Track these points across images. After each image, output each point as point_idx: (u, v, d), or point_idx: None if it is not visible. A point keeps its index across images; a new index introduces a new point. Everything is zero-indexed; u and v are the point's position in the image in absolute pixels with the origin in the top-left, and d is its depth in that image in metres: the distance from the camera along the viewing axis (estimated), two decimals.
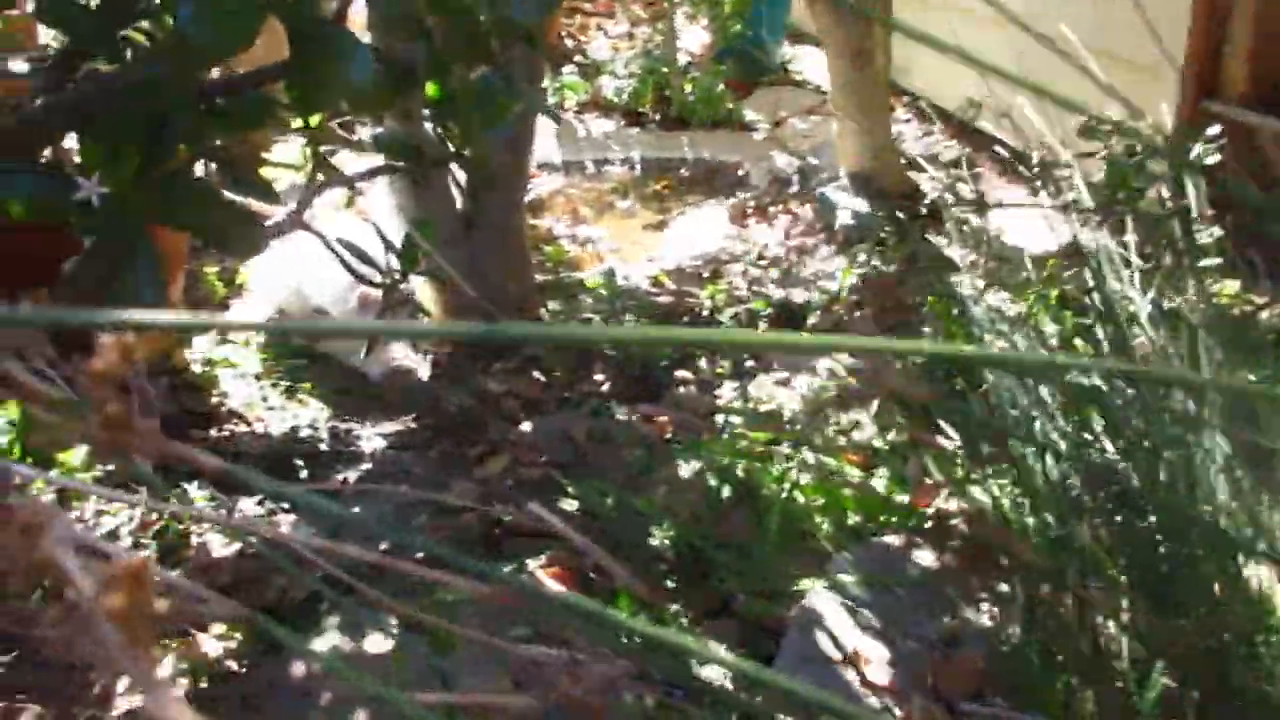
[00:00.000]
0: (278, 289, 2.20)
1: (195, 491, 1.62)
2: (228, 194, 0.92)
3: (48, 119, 0.82)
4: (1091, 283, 1.39)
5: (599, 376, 2.16)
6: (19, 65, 1.01)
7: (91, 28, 0.92)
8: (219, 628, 1.32)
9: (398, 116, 1.48)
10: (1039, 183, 1.74)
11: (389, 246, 1.24)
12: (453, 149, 1.22)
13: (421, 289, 2.17)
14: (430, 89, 1.09)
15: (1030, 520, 1.26)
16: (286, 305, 2.14)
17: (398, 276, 1.24)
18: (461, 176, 2.30)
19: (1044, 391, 1.32)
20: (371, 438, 1.87)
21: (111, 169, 0.75)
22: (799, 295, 2.57)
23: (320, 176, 1.17)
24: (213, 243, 0.87)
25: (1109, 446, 1.19)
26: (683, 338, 0.29)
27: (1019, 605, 1.12)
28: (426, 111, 1.16)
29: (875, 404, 1.99)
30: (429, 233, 1.23)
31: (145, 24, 1.01)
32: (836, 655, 1.29)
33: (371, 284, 1.22)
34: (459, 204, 2.18)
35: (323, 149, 1.22)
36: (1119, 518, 1.14)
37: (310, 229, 1.19)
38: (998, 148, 3.05)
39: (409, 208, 2.14)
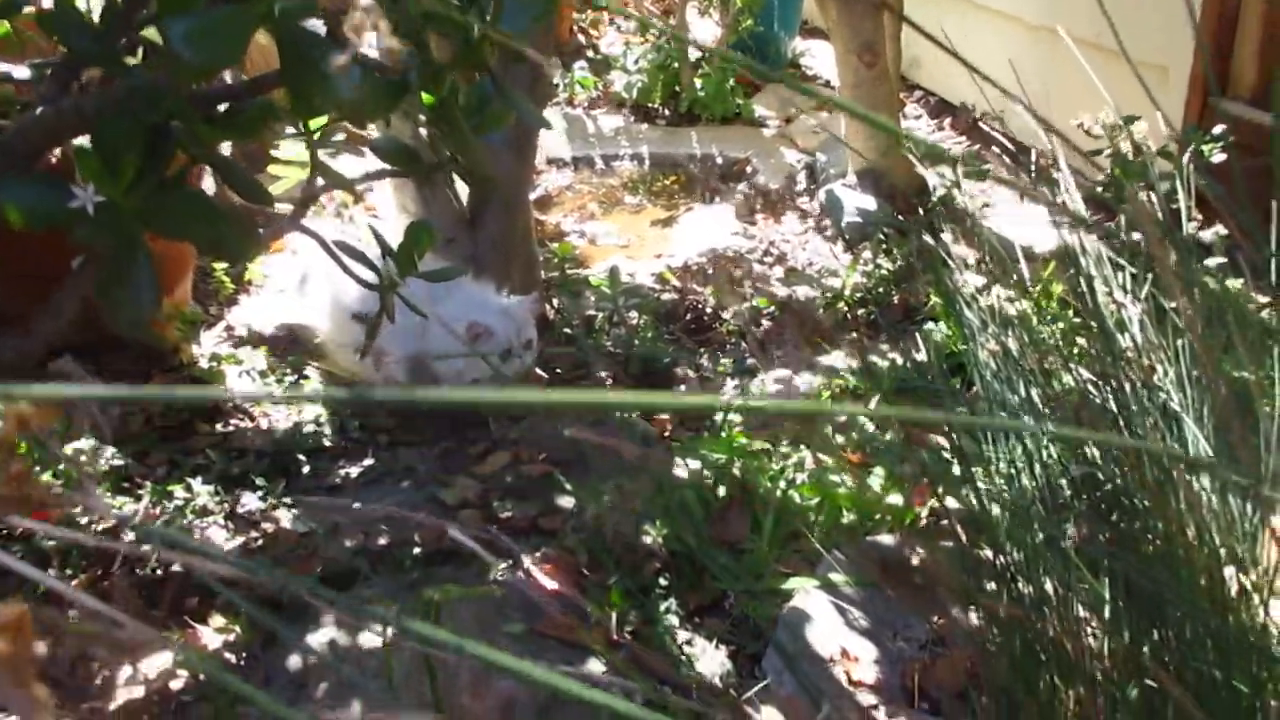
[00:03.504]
0: (291, 285, 2.23)
1: (199, 486, 1.65)
2: (226, 196, 0.94)
3: (48, 126, 0.85)
4: (1082, 286, 1.40)
5: (601, 374, 2.18)
6: (21, 71, 1.03)
7: (91, 38, 0.94)
8: (219, 620, 1.35)
9: (397, 121, 1.50)
10: (1035, 182, 1.75)
11: (385, 249, 1.26)
12: (449, 155, 1.24)
13: None
14: (425, 97, 1.10)
15: (1014, 525, 1.27)
16: (314, 301, 2.09)
17: (394, 279, 1.26)
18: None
19: (1033, 393, 1.33)
20: (374, 435, 1.90)
21: (108, 177, 0.77)
22: (802, 292, 2.58)
23: (320, 180, 1.19)
24: (208, 250, 0.90)
25: (1095, 451, 1.20)
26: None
27: (1001, 611, 1.13)
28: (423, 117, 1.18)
29: (874, 402, 2.01)
30: (427, 236, 1.25)
31: (148, 31, 1.03)
32: (824, 654, 1.31)
33: (368, 285, 1.25)
34: (463, 203, 2.20)
35: (327, 151, 1.24)
36: (1104, 522, 1.15)
37: (308, 231, 1.22)
38: (1002, 145, 3.05)
39: (412, 208, 2.17)
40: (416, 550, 1.53)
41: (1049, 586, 1.16)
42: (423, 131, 1.27)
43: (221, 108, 1.00)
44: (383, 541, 1.56)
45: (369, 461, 1.81)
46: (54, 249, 0.92)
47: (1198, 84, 2.64)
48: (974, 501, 1.33)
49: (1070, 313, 2.12)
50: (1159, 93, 2.19)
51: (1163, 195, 2.00)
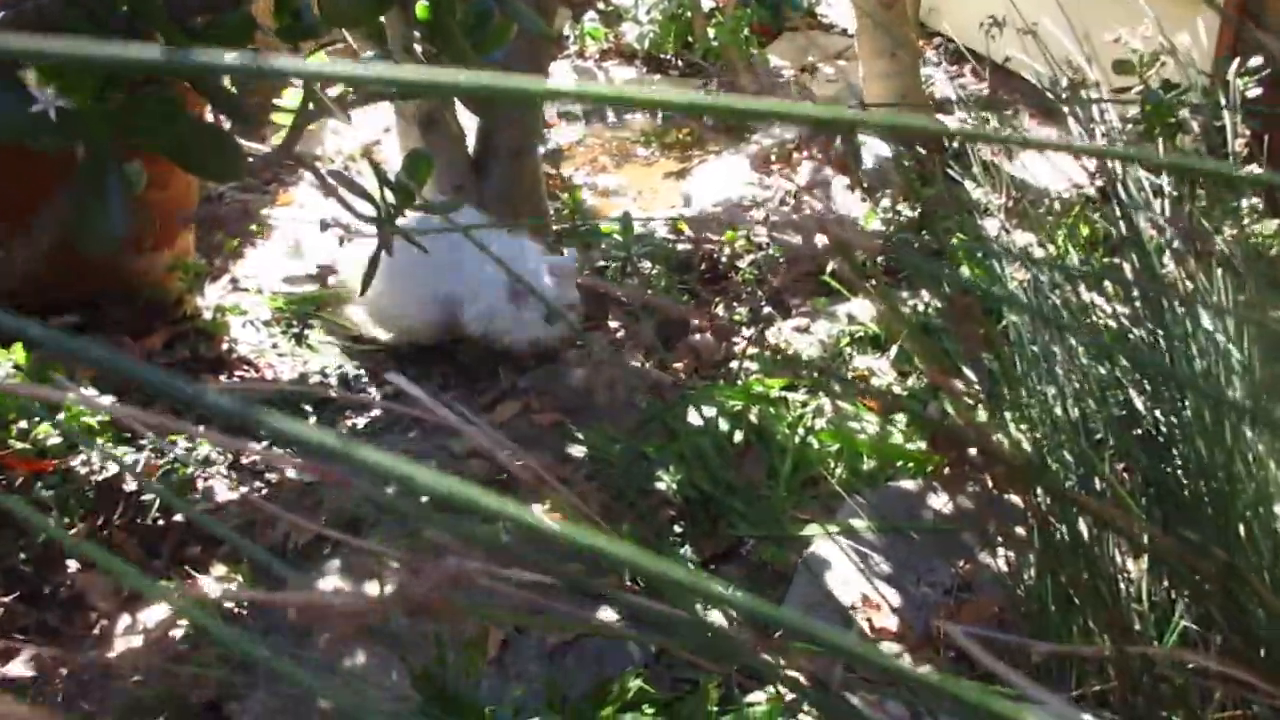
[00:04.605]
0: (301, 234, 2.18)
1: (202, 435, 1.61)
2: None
3: (6, 28, 0.79)
4: (1119, 214, 1.32)
5: (614, 324, 2.12)
6: None
7: None
8: (220, 569, 1.31)
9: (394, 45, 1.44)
10: (1069, 113, 1.67)
11: (384, 182, 1.21)
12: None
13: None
14: (420, 10, 1.04)
15: (1050, 462, 1.21)
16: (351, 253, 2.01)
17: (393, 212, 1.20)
18: (470, 122, 2.27)
19: (1065, 331, 1.27)
20: (381, 385, 1.85)
21: (72, 84, 0.71)
22: (820, 240, 2.51)
23: (310, 106, 1.13)
24: (182, 162, 0.84)
25: (1131, 391, 1.14)
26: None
27: (1034, 546, 1.08)
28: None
29: (893, 349, 1.94)
30: (425, 166, 1.19)
31: None
32: (845, 601, 1.26)
33: (366, 219, 1.19)
34: (469, 148, 2.14)
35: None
36: (1142, 459, 1.09)
37: (302, 162, 1.16)
38: (1023, 89, 2.95)
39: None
40: (423, 500, 1.48)
41: (1082, 529, 1.10)
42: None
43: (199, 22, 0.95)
44: (389, 490, 1.52)
45: (376, 412, 1.77)
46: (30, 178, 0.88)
47: (1230, 12, 2.53)
48: (1004, 444, 1.27)
49: (1100, 253, 2.05)
50: (1190, 22, 2.09)
51: (1198, 130, 1.91)
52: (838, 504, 1.48)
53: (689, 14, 3.91)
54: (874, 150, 2.88)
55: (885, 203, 2.59)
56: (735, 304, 2.24)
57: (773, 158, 3.22)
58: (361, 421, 1.75)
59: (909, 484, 1.51)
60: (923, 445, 1.65)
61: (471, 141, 2.24)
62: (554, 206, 2.68)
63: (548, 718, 1.05)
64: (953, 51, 3.87)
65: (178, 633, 1.22)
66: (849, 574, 1.30)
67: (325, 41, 1.17)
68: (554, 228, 2.44)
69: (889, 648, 1.21)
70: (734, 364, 1.97)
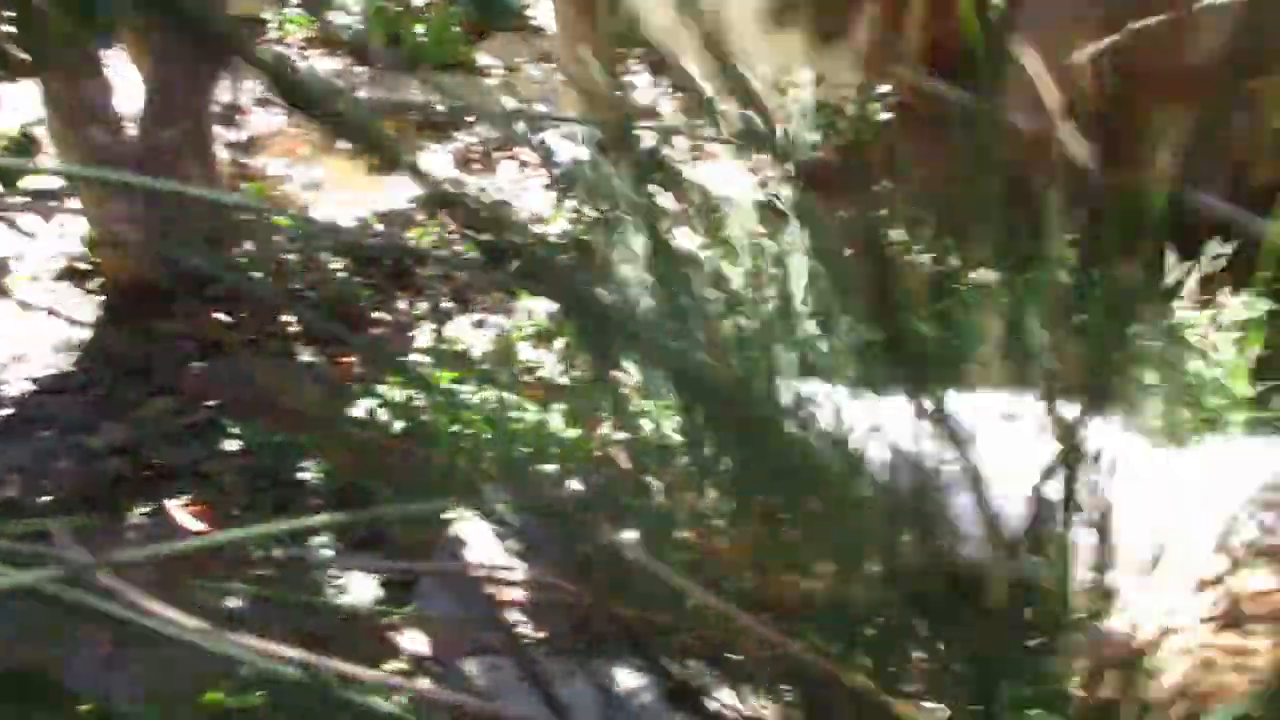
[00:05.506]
0: None
1: None
2: None
3: None
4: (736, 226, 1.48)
5: (287, 318, 2.09)
6: None
7: None
8: None
9: None
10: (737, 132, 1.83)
11: None
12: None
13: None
14: None
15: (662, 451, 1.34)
16: None
17: None
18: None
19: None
20: (17, 380, 1.74)
21: None
22: (511, 237, 2.59)
23: None
24: None
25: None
26: None
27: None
28: None
29: (558, 344, 2.05)
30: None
31: None
32: (478, 576, 1.34)
33: None
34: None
35: None
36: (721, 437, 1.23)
37: None
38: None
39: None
40: (49, 499, 1.42)
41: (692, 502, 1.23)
42: None
43: None
44: (11, 494, 1.44)
45: (7, 411, 1.66)
46: None
47: (873, 52, 2.86)
48: (640, 431, 1.39)
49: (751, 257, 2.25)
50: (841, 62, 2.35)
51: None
52: (489, 487, 1.55)
53: (398, 7, 3.88)
54: (568, 152, 3.00)
55: (572, 203, 2.71)
56: (417, 299, 2.27)
57: (474, 155, 3.27)
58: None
59: (552, 468, 1.61)
60: (578, 432, 1.76)
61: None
62: (239, 197, 2.60)
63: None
64: (654, 62, 4.08)
65: None
66: (485, 552, 1.38)
67: None
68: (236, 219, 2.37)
69: (515, 616, 1.30)
70: (410, 357, 2.00)
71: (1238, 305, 1.66)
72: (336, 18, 3.91)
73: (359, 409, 1.75)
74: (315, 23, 3.93)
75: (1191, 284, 1.25)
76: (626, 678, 1.06)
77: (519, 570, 1.37)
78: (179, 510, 1.37)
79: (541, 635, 1.30)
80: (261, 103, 3.51)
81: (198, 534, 1.32)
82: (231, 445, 1.62)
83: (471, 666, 1.21)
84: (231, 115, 3.43)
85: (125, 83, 2.23)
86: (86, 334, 1.89)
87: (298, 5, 3.99)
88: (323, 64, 3.75)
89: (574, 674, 1.11)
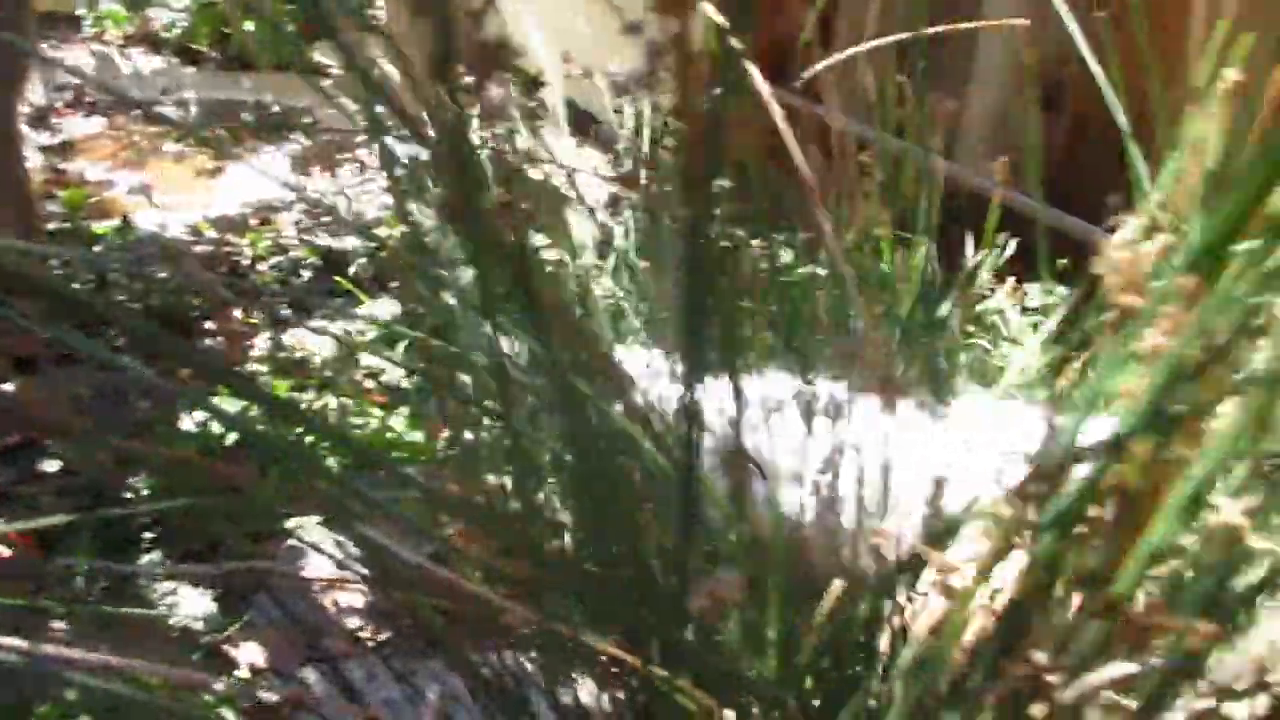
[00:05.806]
0: None
1: None
2: None
3: None
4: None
5: (113, 331, 2.00)
6: None
7: None
8: None
9: None
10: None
11: None
12: None
13: None
14: None
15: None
16: None
17: None
18: None
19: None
20: None
21: None
22: (350, 242, 2.55)
23: None
24: None
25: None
26: None
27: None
28: None
29: (402, 347, 2.04)
30: None
31: None
32: (316, 586, 1.32)
33: None
34: None
35: None
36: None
37: None
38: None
39: None
40: None
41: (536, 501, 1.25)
42: None
43: None
44: None
45: None
46: None
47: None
48: (481, 433, 1.41)
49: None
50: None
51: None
52: (330, 494, 1.53)
53: (224, 5, 3.75)
54: (410, 153, 2.96)
55: (410, 205, 2.68)
56: (253, 307, 2.21)
57: (313, 157, 3.20)
58: None
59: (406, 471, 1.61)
60: (420, 436, 1.76)
61: None
62: (54, 207, 2.47)
63: None
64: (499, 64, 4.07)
65: None
66: (323, 561, 1.37)
67: None
68: (46, 228, 2.25)
69: (353, 622, 1.30)
70: (247, 367, 1.95)
71: (1037, 290, 1.80)
72: (158, 15, 3.75)
73: (189, 422, 1.70)
74: (135, 20, 3.75)
75: (985, 272, 1.35)
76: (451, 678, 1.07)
77: (357, 576, 1.36)
78: None
79: (382, 638, 1.30)
80: (76, 104, 3.34)
81: (9, 560, 1.26)
82: (51, 466, 1.55)
83: (309, 674, 1.20)
84: (44, 117, 3.24)
85: None
86: None
87: (113, 1, 3.81)
88: (146, 62, 3.59)
89: (409, 676, 1.12)
